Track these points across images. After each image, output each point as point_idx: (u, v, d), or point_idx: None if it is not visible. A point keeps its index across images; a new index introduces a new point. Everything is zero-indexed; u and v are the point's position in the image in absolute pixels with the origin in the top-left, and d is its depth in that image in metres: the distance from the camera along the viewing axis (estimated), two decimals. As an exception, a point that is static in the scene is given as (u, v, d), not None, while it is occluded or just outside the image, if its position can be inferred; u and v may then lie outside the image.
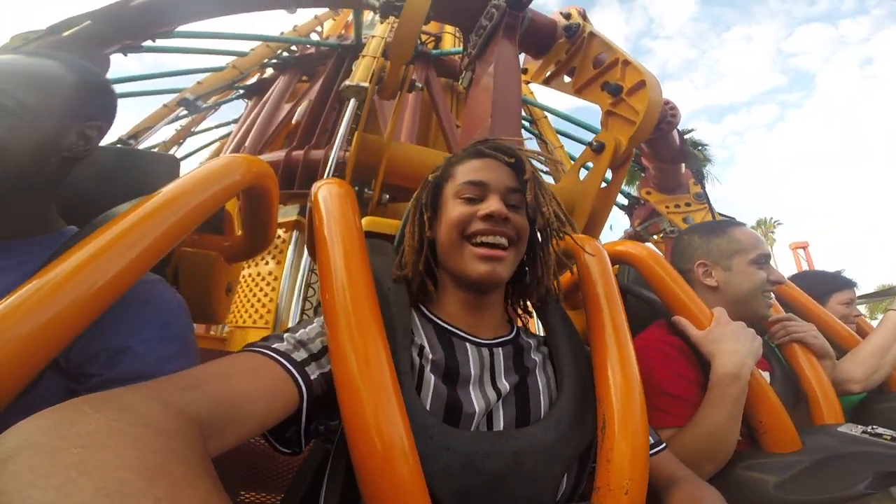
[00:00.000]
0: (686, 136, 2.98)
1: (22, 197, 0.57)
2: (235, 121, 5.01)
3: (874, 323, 1.38)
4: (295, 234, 2.72)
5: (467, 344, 0.62)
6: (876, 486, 0.66)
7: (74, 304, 0.44)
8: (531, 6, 1.96)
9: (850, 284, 1.49)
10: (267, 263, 2.75)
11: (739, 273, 1.00)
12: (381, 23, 3.15)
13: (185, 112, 3.64)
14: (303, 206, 2.68)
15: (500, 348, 0.64)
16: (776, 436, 0.79)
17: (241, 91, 4.65)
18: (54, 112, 0.58)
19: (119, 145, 2.76)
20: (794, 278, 1.44)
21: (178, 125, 4.53)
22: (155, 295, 0.58)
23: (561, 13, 2.13)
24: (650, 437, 0.63)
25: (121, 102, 0.70)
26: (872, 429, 0.78)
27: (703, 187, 3.66)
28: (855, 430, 0.80)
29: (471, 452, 0.49)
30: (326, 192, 0.71)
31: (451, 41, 4.30)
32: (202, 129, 5.16)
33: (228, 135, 4.88)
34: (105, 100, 0.65)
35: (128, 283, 0.49)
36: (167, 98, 3.67)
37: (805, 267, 5.43)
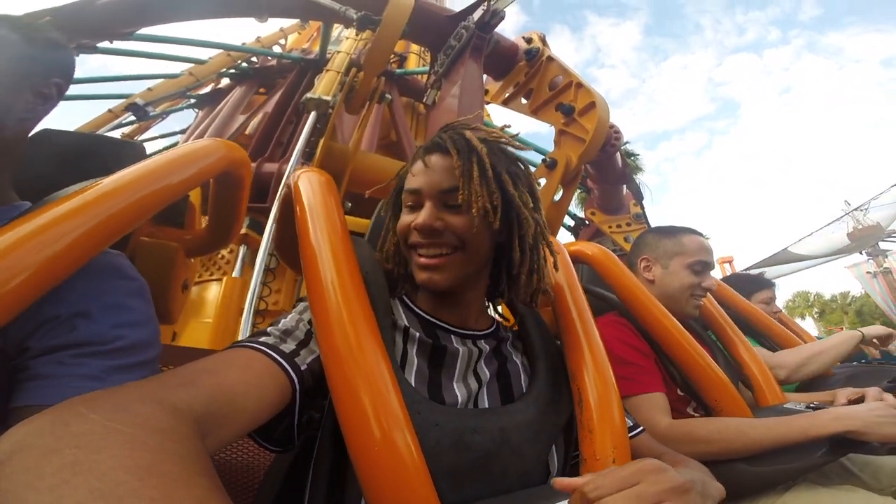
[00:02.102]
0: (622, 146, 3.22)
1: None
2: (183, 131, 4.79)
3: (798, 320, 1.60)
4: (242, 249, 2.58)
5: (452, 336, 0.63)
6: (831, 454, 0.74)
7: (19, 279, 0.40)
8: (496, 30, 2.08)
9: (769, 284, 1.72)
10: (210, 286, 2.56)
11: (673, 273, 1.13)
12: (346, 38, 3.19)
13: (130, 118, 3.44)
14: (252, 220, 2.56)
15: (484, 341, 0.65)
16: (732, 414, 0.86)
17: (193, 100, 4.49)
18: (3, 75, 0.54)
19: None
20: (723, 280, 1.64)
21: (119, 132, 4.26)
22: (118, 265, 0.54)
23: (523, 37, 2.28)
24: (628, 420, 0.65)
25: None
26: (814, 405, 0.87)
27: (643, 208, 3.96)
28: (799, 406, 0.89)
29: (459, 428, 0.49)
30: (307, 181, 0.71)
31: (415, 61, 4.42)
32: (146, 138, 4.88)
33: (174, 145, 4.64)
34: (58, 54, 0.61)
35: (81, 257, 0.46)
36: (112, 103, 3.45)
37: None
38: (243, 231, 2.58)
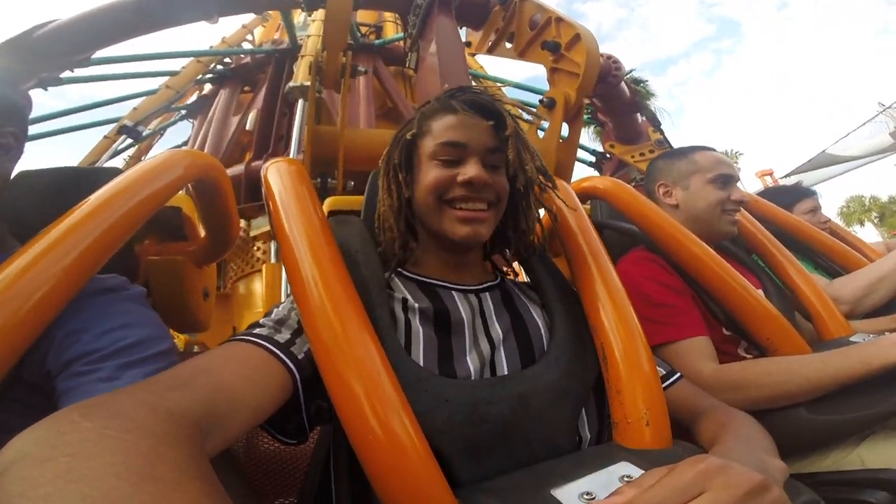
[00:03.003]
0: (627, 75, 3.05)
1: None
2: (186, 143, 4.84)
3: (849, 228, 1.43)
4: (273, 244, 2.66)
5: (453, 292, 0.61)
6: None
7: (25, 310, 0.43)
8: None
9: (810, 193, 1.54)
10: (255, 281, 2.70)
11: (696, 192, 1.04)
12: (312, 21, 3.08)
13: (128, 141, 3.49)
14: None
15: (488, 293, 0.64)
16: (789, 353, 0.74)
17: (183, 112, 4.49)
18: None
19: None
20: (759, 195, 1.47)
21: (125, 156, 4.34)
22: (103, 286, 0.57)
23: (490, -20, 2.14)
24: (661, 368, 0.61)
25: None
26: (886, 335, 0.71)
27: (663, 133, 3.78)
28: (869, 337, 0.75)
29: (471, 402, 0.46)
30: (276, 171, 0.70)
31: (392, 29, 4.24)
32: (151, 156, 4.95)
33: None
34: (8, 102, 0.60)
35: (79, 280, 0.48)
36: (107, 129, 3.50)
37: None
38: (268, 228, 2.63)
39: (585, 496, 0.36)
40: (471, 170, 0.58)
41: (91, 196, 0.54)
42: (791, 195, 1.54)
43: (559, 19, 1.83)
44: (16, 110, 0.61)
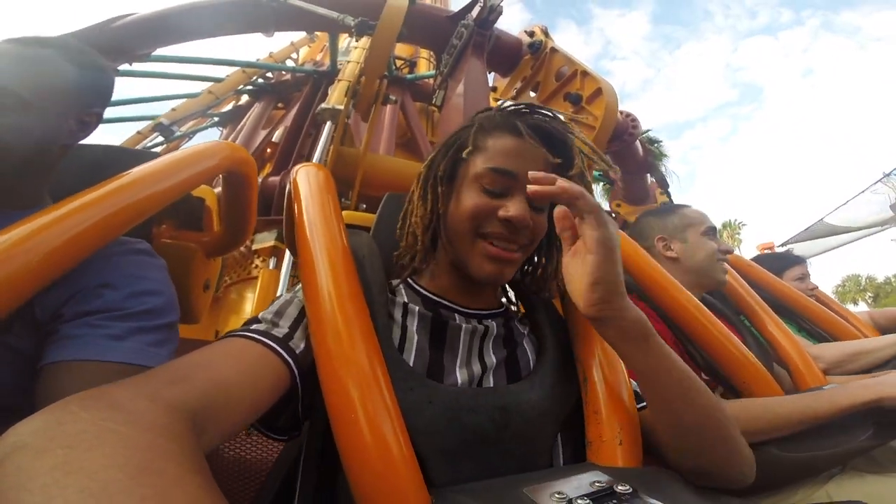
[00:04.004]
0: (643, 135, 3.16)
1: (23, 179, 0.58)
2: (211, 149, 5.00)
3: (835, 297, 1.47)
4: (273, 260, 2.70)
5: (456, 314, 0.60)
6: (879, 436, 0.66)
7: (41, 256, 0.45)
8: (498, 26, 2.10)
9: (800, 260, 1.62)
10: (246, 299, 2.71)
11: (694, 244, 1.11)
12: (354, 48, 3.27)
13: (157, 139, 3.63)
14: (280, 232, 2.67)
15: (492, 320, 0.62)
16: (764, 395, 0.77)
17: (216, 119, 4.69)
18: (55, 105, 0.58)
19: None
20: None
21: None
22: (137, 248, 0.60)
23: (525, 31, 2.30)
24: (637, 389, 0.60)
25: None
26: (854, 382, 0.76)
27: (669, 196, 3.87)
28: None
29: (454, 407, 0.47)
30: (305, 175, 0.75)
31: (425, 66, 4.48)
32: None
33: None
34: (102, 84, 0.66)
35: (98, 241, 0.50)
36: (140, 125, 3.66)
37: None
38: (272, 243, 2.70)
39: (556, 495, 0.36)
40: (514, 208, 0.54)
41: (135, 168, 0.59)
42: (782, 262, 1.61)
43: (585, 73, 1.95)
44: (107, 94, 0.66)
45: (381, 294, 0.56)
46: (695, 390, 0.49)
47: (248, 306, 2.61)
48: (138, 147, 3.48)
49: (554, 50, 2.15)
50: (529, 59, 2.27)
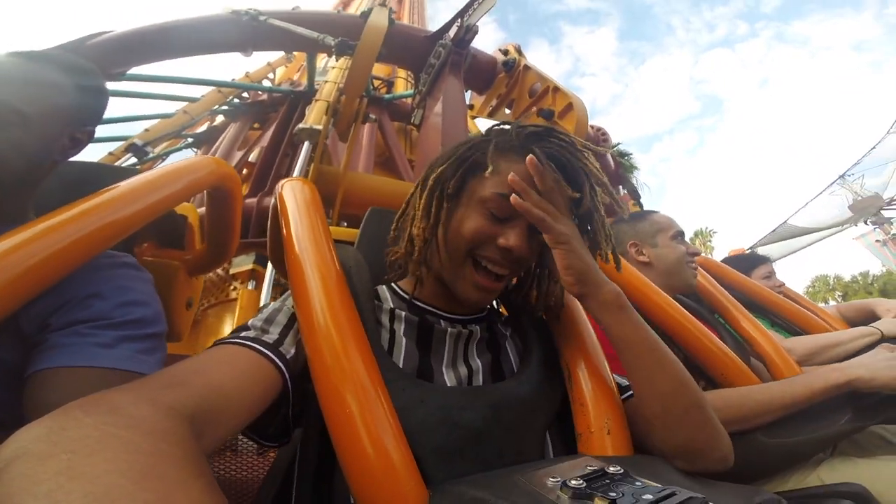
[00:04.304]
0: (613, 148, 3.28)
1: (10, 194, 0.58)
2: (185, 170, 4.90)
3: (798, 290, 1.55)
4: (251, 283, 2.66)
5: (441, 320, 0.61)
6: (858, 419, 0.70)
7: (24, 270, 0.45)
8: (474, 45, 2.17)
9: (765, 259, 1.72)
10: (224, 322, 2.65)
11: (665, 247, 1.17)
12: (332, 68, 3.31)
13: (131, 160, 3.55)
14: (259, 255, 2.63)
15: (476, 324, 0.63)
16: (742, 384, 0.80)
17: (191, 139, 4.62)
18: (53, 122, 0.58)
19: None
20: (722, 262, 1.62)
21: (122, 176, 4.36)
22: (124, 262, 0.60)
23: (500, 50, 2.39)
24: (620, 381, 0.62)
25: None
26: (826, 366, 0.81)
27: (642, 207, 4.00)
28: None
29: (446, 405, 0.48)
30: (291, 189, 0.76)
31: (402, 86, 4.55)
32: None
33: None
34: (97, 102, 0.65)
35: (82, 256, 0.51)
36: (112, 146, 3.58)
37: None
38: (251, 266, 2.65)
39: (551, 479, 0.37)
40: (514, 238, 0.55)
41: (121, 183, 0.59)
42: (749, 262, 1.70)
43: (556, 89, 2.04)
44: (101, 112, 0.66)
45: (369, 301, 0.57)
46: (668, 358, 0.54)
47: (227, 328, 2.56)
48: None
49: (527, 67, 2.25)
50: (504, 76, 2.36)
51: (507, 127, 0.61)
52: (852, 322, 1.42)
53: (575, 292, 0.56)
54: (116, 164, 3.34)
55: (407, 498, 0.40)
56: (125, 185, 0.59)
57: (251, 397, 0.44)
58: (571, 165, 0.57)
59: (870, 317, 1.37)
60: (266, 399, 0.46)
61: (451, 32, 2.04)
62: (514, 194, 0.53)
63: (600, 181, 0.59)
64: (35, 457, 0.26)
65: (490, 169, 0.55)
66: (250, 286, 2.63)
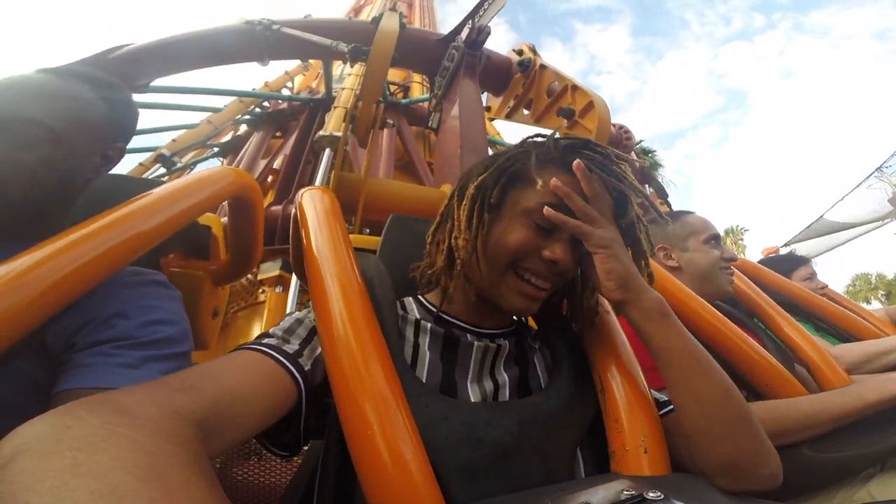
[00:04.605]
0: (637, 146, 3.20)
1: (45, 212, 0.59)
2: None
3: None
4: (279, 289, 2.74)
5: (468, 334, 0.60)
6: None
7: (48, 285, 0.45)
8: (488, 46, 2.16)
9: (806, 261, 1.62)
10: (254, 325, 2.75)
11: (696, 252, 1.10)
12: (349, 75, 3.36)
13: (161, 170, 3.68)
14: (285, 261, 2.70)
15: (504, 339, 0.61)
16: (787, 396, 0.76)
17: (216, 149, 4.78)
18: (85, 141, 0.58)
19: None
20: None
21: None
22: (152, 279, 0.60)
23: (514, 50, 2.36)
24: (659, 396, 0.60)
25: None
26: (881, 375, 0.77)
27: (670, 206, 3.90)
28: None
29: (470, 422, 0.46)
30: (310, 198, 0.76)
31: (418, 90, 4.58)
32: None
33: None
34: (127, 119, 0.66)
35: (106, 269, 0.50)
36: (141, 157, 3.72)
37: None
38: (277, 273, 2.72)
39: None
40: (560, 250, 0.54)
41: (142, 195, 0.59)
42: (788, 263, 1.61)
43: (575, 87, 2.00)
44: (131, 129, 0.67)
45: (392, 313, 0.56)
46: (712, 367, 0.51)
47: (257, 329, 2.64)
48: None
49: (543, 67, 2.21)
50: (520, 77, 2.33)
51: (543, 139, 0.60)
52: None
53: (616, 298, 0.53)
54: (146, 174, 3.47)
55: None
56: (146, 198, 0.59)
57: (264, 405, 0.44)
58: (613, 176, 0.56)
59: None
60: (280, 408, 0.46)
61: (463, 34, 2.02)
62: (546, 206, 0.52)
63: (641, 193, 0.58)
64: (39, 453, 0.26)
65: (539, 183, 0.54)
66: (278, 290, 2.71)
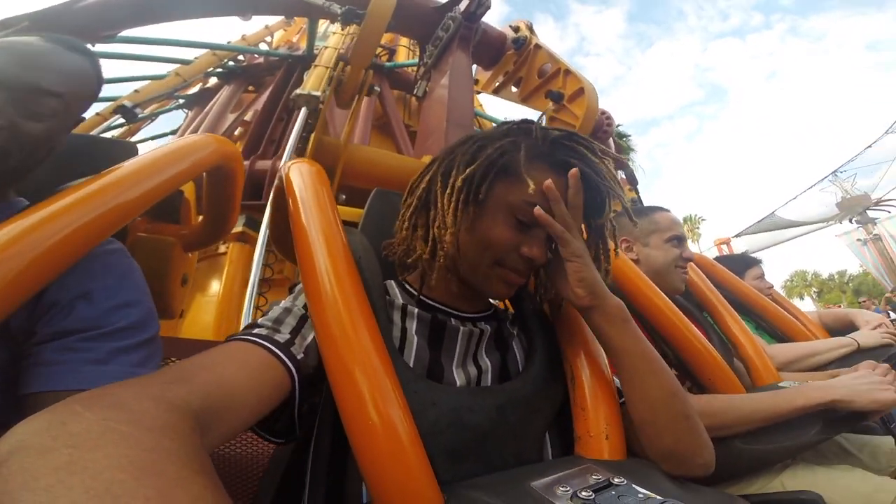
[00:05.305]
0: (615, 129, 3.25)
1: (29, 172, 0.57)
2: (173, 132, 4.77)
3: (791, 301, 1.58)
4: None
5: (452, 318, 0.61)
6: (825, 431, 0.73)
7: (21, 268, 0.43)
8: (483, 20, 2.09)
9: (757, 261, 1.76)
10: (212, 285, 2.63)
11: (656, 249, 1.16)
12: (333, 33, 3.18)
13: (119, 121, 3.42)
14: (249, 218, 2.60)
15: (484, 322, 0.63)
16: (726, 391, 0.84)
17: (181, 101, 4.46)
18: (80, 110, 0.59)
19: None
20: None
21: (109, 135, 4.23)
22: (111, 250, 0.57)
23: (510, 26, 2.30)
24: (619, 386, 0.63)
25: None
26: (808, 383, 0.85)
27: (638, 193, 4.00)
28: (794, 384, 0.87)
29: (456, 407, 0.48)
30: (297, 170, 0.72)
31: (404, 54, 4.41)
32: (136, 139, 4.85)
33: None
34: (100, 82, 0.64)
35: (80, 249, 0.48)
36: (100, 107, 3.43)
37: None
38: (240, 229, 2.62)
39: (561, 489, 0.39)
40: (536, 248, 0.56)
41: (123, 164, 0.55)
42: (742, 263, 1.73)
43: (568, 71, 1.98)
44: (99, 90, 0.64)
45: (381, 297, 0.56)
46: (662, 369, 0.56)
47: (216, 284, 2.54)
48: (100, 128, 3.28)
49: (538, 47, 2.17)
50: (513, 54, 2.28)
51: (530, 127, 0.59)
52: (831, 330, 1.48)
53: (585, 304, 0.56)
54: (104, 124, 3.22)
55: (422, 499, 0.40)
56: (126, 168, 0.56)
57: (259, 395, 0.43)
58: (593, 178, 0.57)
59: (848, 326, 1.42)
60: (274, 398, 0.46)
61: (462, 5, 1.94)
62: (537, 207, 0.54)
63: (618, 195, 0.60)
64: (35, 451, 0.25)
65: (531, 185, 0.55)
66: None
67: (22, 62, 0.53)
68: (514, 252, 0.57)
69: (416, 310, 0.58)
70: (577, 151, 0.58)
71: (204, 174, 0.82)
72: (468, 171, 0.57)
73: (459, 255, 0.59)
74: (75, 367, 0.46)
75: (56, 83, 0.54)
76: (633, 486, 0.40)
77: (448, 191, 0.58)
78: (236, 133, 3.54)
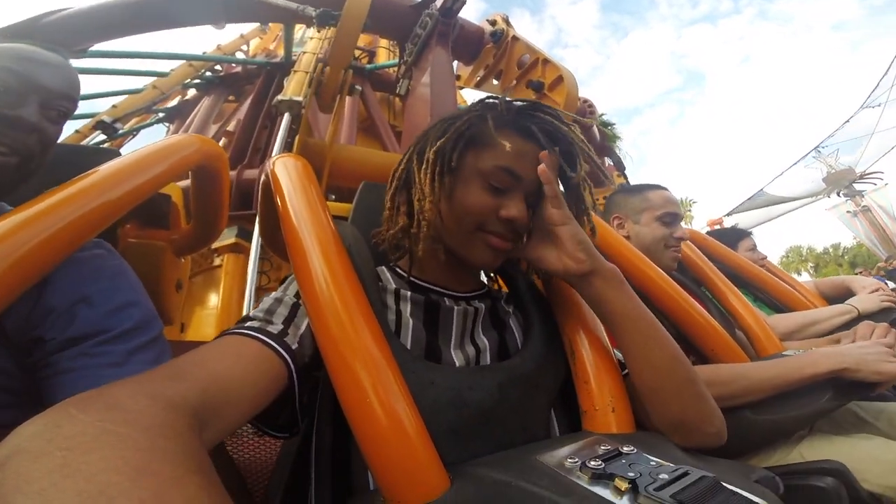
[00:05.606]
0: (598, 118, 3.29)
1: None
2: (158, 147, 4.71)
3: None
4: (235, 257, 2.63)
5: (445, 298, 0.61)
6: (837, 398, 0.72)
7: (7, 265, 0.43)
8: (460, 15, 2.10)
9: (748, 233, 1.78)
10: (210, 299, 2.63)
11: (646, 226, 1.16)
12: (310, 38, 3.18)
13: (100, 137, 3.38)
14: (241, 229, 2.59)
15: (479, 301, 0.63)
16: (730, 361, 0.83)
17: (161, 114, 4.42)
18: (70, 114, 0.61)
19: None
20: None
21: (91, 153, 4.17)
22: (99, 254, 0.57)
23: (487, 20, 2.31)
24: (620, 358, 0.62)
25: None
26: (815, 349, 0.83)
27: (626, 178, 4.05)
28: (799, 352, 0.85)
29: (455, 386, 0.48)
30: (283, 166, 0.73)
31: (385, 55, 4.41)
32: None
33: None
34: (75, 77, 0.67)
35: (63, 250, 0.48)
36: (78, 123, 3.39)
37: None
38: (233, 240, 2.61)
39: (569, 460, 0.38)
40: (514, 209, 0.56)
41: (106, 164, 0.55)
42: (734, 236, 1.75)
43: (546, 61, 2.00)
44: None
45: (373, 282, 0.56)
46: (662, 334, 0.55)
47: (214, 296, 2.54)
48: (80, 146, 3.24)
49: (515, 38, 2.19)
50: (492, 47, 2.29)
51: (495, 101, 0.61)
52: (829, 298, 1.49)
53: (586, 269, 0.55)
54: (84, 141, 3.18)
55: (428, 480, 0.40)
56: (108, 168, 0.56)
57: (256, 389, 0.43)
58: (562, 140, 0.59)
59: (845, 293, 1.42)
60: (271, 390, 0.45)
61: (438, 2, 1.95)
62: (542, 165, 0.55)
63: (588, 156, 0.61)
64: (29, 455, 0.25)
65: (508, 145, 0.56)
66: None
67: (44, 67, 0.56)
68: (493, 216, 0.57)
69: (410, 293, 0.58)
70: (541, 118, 0.59)
71: (191, 177, 0.82)
72: (439, 143, 0.59)
73: (443, 226, 0.60)
74: (96, 373, 0.47)
75: (70, 87, 0.58)
76: (644, 454, 0.40)
77: (423, 165, 0.60)
78: (221, 144, 3.51)
